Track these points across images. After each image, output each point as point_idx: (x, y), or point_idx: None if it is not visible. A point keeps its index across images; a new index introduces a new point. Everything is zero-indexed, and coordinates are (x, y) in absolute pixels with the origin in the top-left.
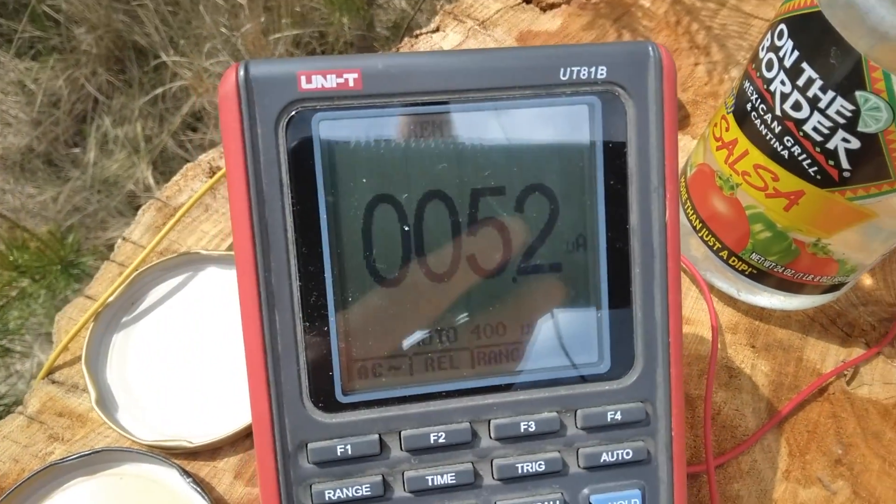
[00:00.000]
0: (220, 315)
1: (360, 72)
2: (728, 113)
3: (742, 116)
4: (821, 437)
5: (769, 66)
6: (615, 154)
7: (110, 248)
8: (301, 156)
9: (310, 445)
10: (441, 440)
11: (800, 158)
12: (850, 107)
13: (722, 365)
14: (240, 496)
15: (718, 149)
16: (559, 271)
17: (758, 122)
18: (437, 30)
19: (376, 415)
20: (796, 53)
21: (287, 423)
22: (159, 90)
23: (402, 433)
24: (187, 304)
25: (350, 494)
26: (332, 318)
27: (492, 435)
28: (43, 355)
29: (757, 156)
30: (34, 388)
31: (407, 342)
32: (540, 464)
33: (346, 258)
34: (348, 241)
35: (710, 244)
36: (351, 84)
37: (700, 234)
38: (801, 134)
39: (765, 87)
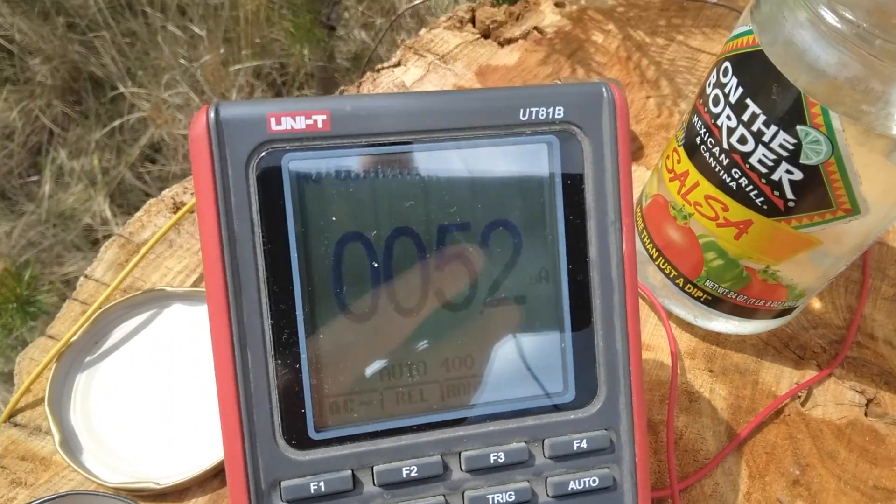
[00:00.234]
0: (186, 352)
1: (328, 113)
2: (679, 146)
3: (692, 149)
4: (779, 458)
5: (715, 102)
6: (574, 190)
7: (67, 283)
8: (271, 196)
9: (283, 483)
10: (413, 474)
11: (747, 189)
12: (792, 140)
13: (682, 390)
14: None
15: (671, 180)
16: (524, 303)
17: (707, 154)
18: (398, 64)
19: (349, 451)
20: (740, 90)
21: (260, 462)
22: (117, 122)
23: (375, 468)
24: (152, 343)
25: None
26: (303, 356)
27: (462, 467)
28: (0, 396)
29: (707, 187)
30: None
31: (377, 375)
32: (510, 494)
33: (317, 295)
34: (319, 279)
35: (667, 272)
36: (320, 125)
37: (657, 262)
38: (748, 166)
39: (712, 121)
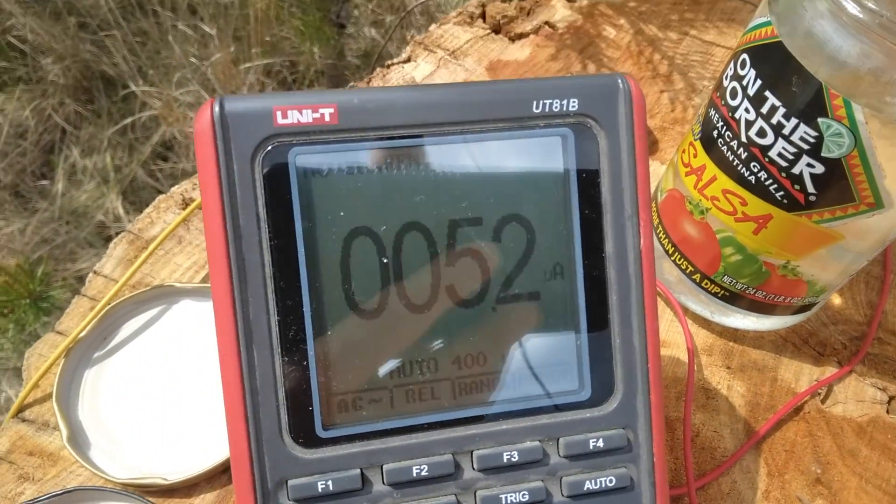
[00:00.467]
0: (195, 349)
1: (336, 107)
2: (695, 140)
3: (709, 143)
4: (798, 456)
5: (733, 95)
6: (589, 184)
7: (80, 280)
8: (278, 190)
9: (290, 482)
10: (423, 473)
11: (766, 183)
12: (814, 133)
13: (699, 387)
14: None
15: (687, 174)
16: (538, 300)
17: (724, 148)
18: (408, 60)
19: (357, 449)
20: (759, 82)
21: (267, 460)
22: (128, 120)
23: (384, 467)
24: (161, 339)
25: None
26: (311, 353)
27: (475, 466)
28: (11, 391)
29: (725, 181)
30: (3, 426)
31: (387, 373)
32: (524, 494)
33: (325, 291)
34: (327, 275)
35: (683, 267)
36: (327, 119)
37: (673, 258)
38: (767, 160)
39: (730, 114)
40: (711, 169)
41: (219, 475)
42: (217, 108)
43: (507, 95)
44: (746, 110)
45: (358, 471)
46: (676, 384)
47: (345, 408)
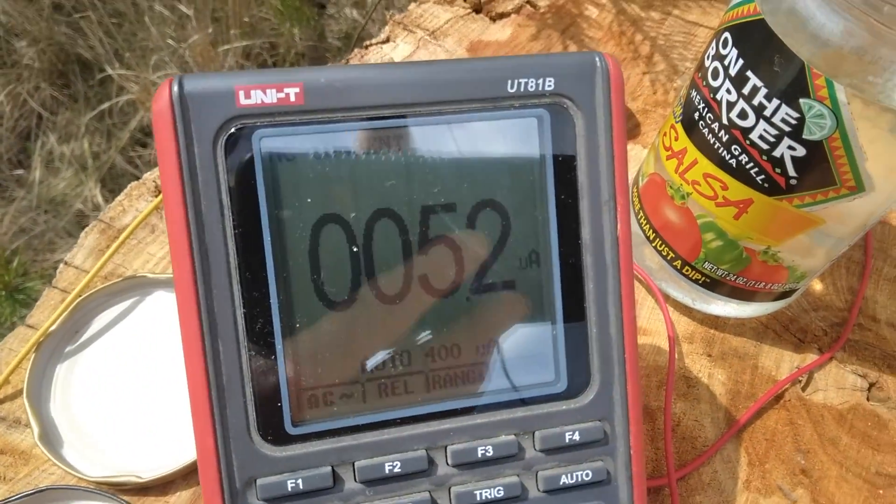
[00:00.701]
0: (170, 341)
1: (301, 86)
2: (677, 122)
3: (690, 125)
4: (779, 444)
5: (715, 75)
6: (565, 167)
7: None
8: (242, 175)
9: (259, 481)
10: (396, 469)
11: (747, 167)
12: (795, 114)
13: (680, 375)
14: None
15: (668, 158)
16: (513, 289)
17: (705, 131)
18: (387, 40)
19: (328, 446)
20: (741, 61)
21: (234, 459)
22: (106, 105)
23: (356, 464)
24: (134, 331)
25: None
26: (279, 346)
27: (449, 461)
28: None
29: (706, 165)
30: None
31: (358, 366)
32: (499, 489)
33: (293, 282)
34: (294, 264)
35: (664, 254)
36: (292, 99)
37: (653, 244)
38: (748, 142)
39: (711, 95)
40: (693, 152)
41: (194, 473)
42: (176, 88)
43: (480, 74)
44: (728, 91)
45: (329, 468)
46: (657, 373)
47: (315, 403)
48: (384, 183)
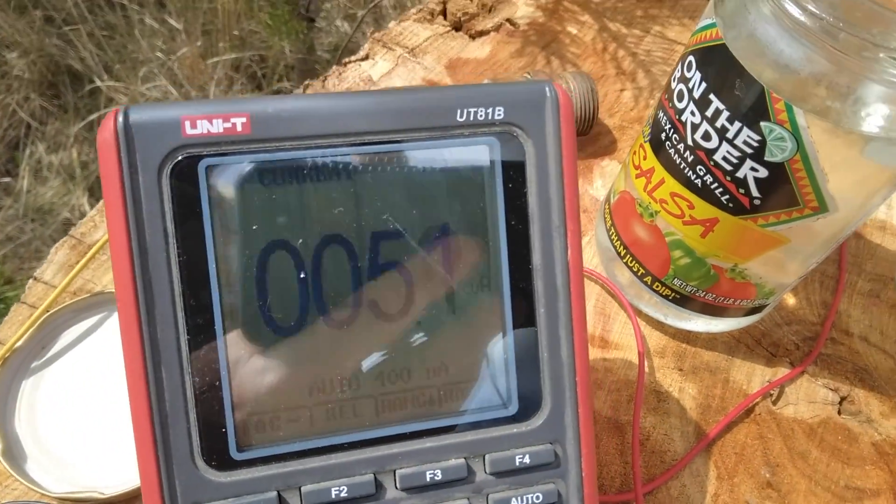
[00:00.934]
0: None
1: (248, 116)
2: (645, 142)
3: (658, 145)
4: (748, 458)
5: (680, 97)
6: (516, 194)
7: None
8: (187, 203)
9: None
10: (343, 494)
11: (712, 187)
12: (756, 137)
13: (650, 389)
14: None
15: (637, 177)
16: (464, 314)
17: (672, 151)
18: (366, 58)
19: (274, 471)
20: (704, 85)
21: (178, 485)
22: (95, 115)
23: (303, 489)
24: (102, 347)
25: None
26: (223, 372)
27: (397, 485)
28: None
29: (673, 184)
30: None
31: (305, 390)
32: None
33: (239, 309)
34: (241, 291)
35: (635, 270)
36: (239, 129)
37: (625, 260)
38: (712, 163)
39: (677, 117)
40: (660, 172)
41: None
42: (121, 119)
43: (429, 103)
44: (692, 113)
45: (275, 493)
46: (628, 387)
47: (261, 428)
48: (332, 209)
